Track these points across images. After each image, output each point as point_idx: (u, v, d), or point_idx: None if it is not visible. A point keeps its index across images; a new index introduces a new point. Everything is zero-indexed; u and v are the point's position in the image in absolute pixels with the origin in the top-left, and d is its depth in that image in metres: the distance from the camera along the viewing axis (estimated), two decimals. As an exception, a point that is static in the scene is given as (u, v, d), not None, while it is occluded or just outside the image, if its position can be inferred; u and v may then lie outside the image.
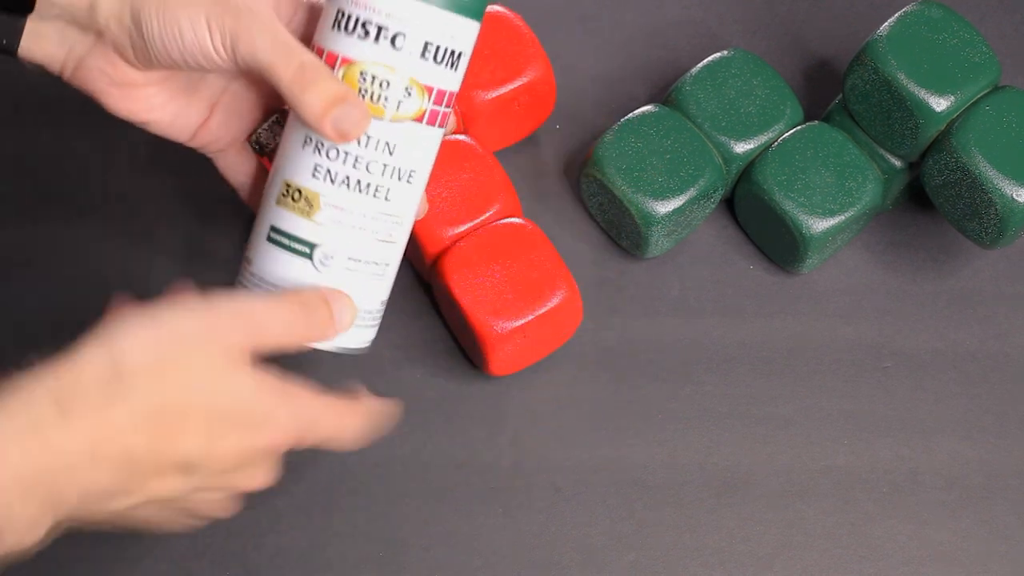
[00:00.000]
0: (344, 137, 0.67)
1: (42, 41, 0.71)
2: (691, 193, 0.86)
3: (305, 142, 0.69)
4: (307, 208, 0.69)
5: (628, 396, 0.87)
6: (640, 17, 0.96)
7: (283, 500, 0.84)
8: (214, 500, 0.68)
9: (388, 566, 0.83)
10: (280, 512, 0.84)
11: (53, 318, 0.87)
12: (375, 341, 0.74)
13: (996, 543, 0.85)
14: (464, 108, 0.87)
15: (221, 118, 0.74)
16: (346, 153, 0.69)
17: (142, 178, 0.90)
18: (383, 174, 0.69)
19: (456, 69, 0.70)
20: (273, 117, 0.75)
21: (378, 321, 0.73)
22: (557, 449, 0.86)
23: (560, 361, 0.88)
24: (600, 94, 0.94)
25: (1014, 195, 0.82)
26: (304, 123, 0.68)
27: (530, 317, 0.83)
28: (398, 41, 0.68)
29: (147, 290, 0.88)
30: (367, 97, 0.68)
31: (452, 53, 0.69)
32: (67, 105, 0.85)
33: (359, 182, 0.69)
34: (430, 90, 0.69)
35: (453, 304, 0.84)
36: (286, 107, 0.74)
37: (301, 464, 0.85)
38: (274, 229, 0.70)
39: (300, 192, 0.70)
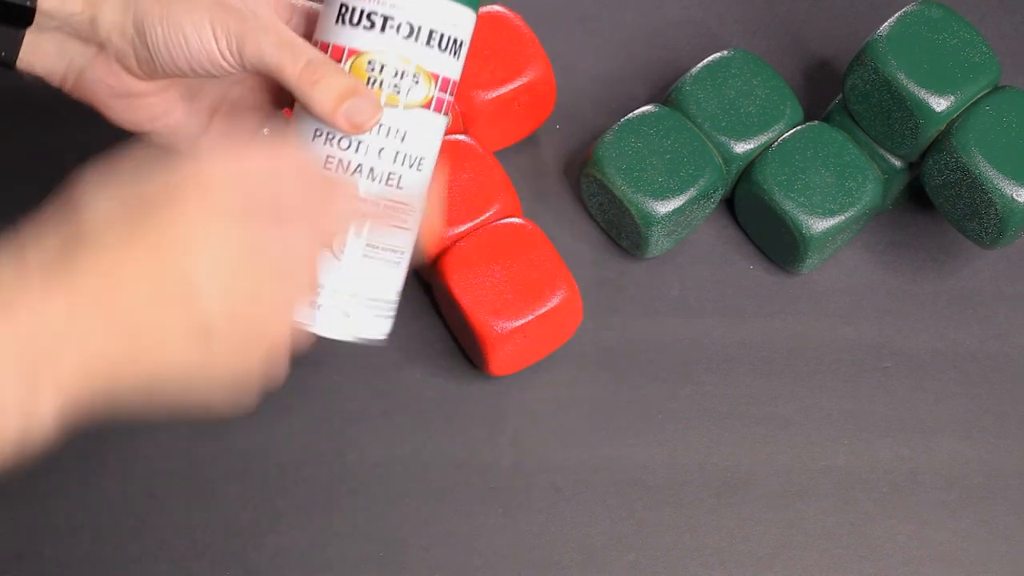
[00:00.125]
0: (358, 128, 0.68)
1: (41, 54, 0.70)
2: (691, 193, 0.86)
3: (315, 135, 0.70)
4: None
5: (628, 396, 0.87)
6: (640, 17, 0.96)
7: (283, 500, 0.84)
8: (245, 354, 0.65)
9: (388, 566, 0.83)
10: (280, 512, 0.84)
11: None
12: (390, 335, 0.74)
13: (996, 543, 0.85)
14: (464, 108, 0.87)
15: (222, 126, 0.74)
16: (358, 142, 0.70)
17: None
18: (395, 161, 0.70)
19: (458, 57, 0.71)
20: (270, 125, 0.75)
21: (394, 312, 0.73)
22: (557, 449, 0.86)
23: (560, 361, 0.88)
24: (600, 94, 0.94)
25: (1014, 195, 0.82)
26: (317, 118, 0.69)
27: (530, 317, 0.83)
28: (403, 29, 0.69)
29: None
30: (376, 86, 0.69)
31: (455, 41, 0.70)
32: (68, 105, 0.85)
33: (372, 170, 0.70)
34: (436, 77, 0.70)
35: (453, 304, 0.84)
36: (283, 109, 0.74)
37: (301, 464, 0.85)
38: None
39: None
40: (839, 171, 0.87)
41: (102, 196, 0.61)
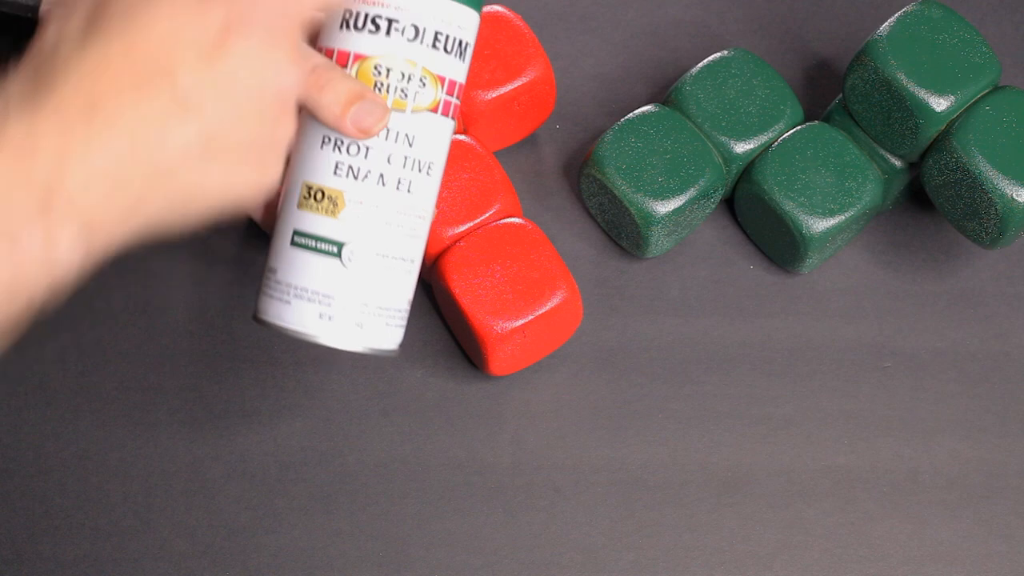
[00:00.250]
0: (366, 133, 0.68)
1: None
2: (691, 193, 0.86)
3: (323, 142, 0.70)
4: (332, 207, 0.70)
5: (628, 396, 0.87)
6: (640, 17, 0.96)
7: (283, 500, 0.84)
8: (241, 114, 0.65)
9: (388, 566, 0.83)
10: (280, 512, 0.84)
11: (53, 316, 0.87)
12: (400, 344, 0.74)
13: (996, 543, 0.85)
14: (464, 108, 0.87)
15: None
16: (368, 148, 0.70)
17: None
18: (404, 166, 0.70)
19: (463, 59, 0.71)
20: None
21: (404, 322, 0.73)
22: (557, 449, 0.86)
23: (560, 361, 0.88)
24: (600, 94, 0.94)
25: (1014, 195, 0.82)
26: (324, 124, 0.69)
27: (530, 317, 0.83)
28: (408, 32, 0.69)
29: (147, 289, 0.89)
30: (383, 91, 0.69)
31: (460, 43, 0.70)
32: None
33: (382, 176, 0.70)
34: (442, 80, 0.70)
35: (453, 304, 0.84)
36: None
37: (301, 464, 0.85)
38: (298, 233, 0.71)
39: (323, 192, 0.70)
40: (839, 171, 0.87)
41: (63, 17, 0.61)
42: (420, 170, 0.71)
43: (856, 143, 0.88)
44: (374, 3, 0.69)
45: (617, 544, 0.84)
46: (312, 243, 0.70)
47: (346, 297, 0.70)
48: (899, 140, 0.87)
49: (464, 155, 0.86)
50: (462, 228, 0.85)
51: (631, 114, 0.88)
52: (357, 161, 0.70)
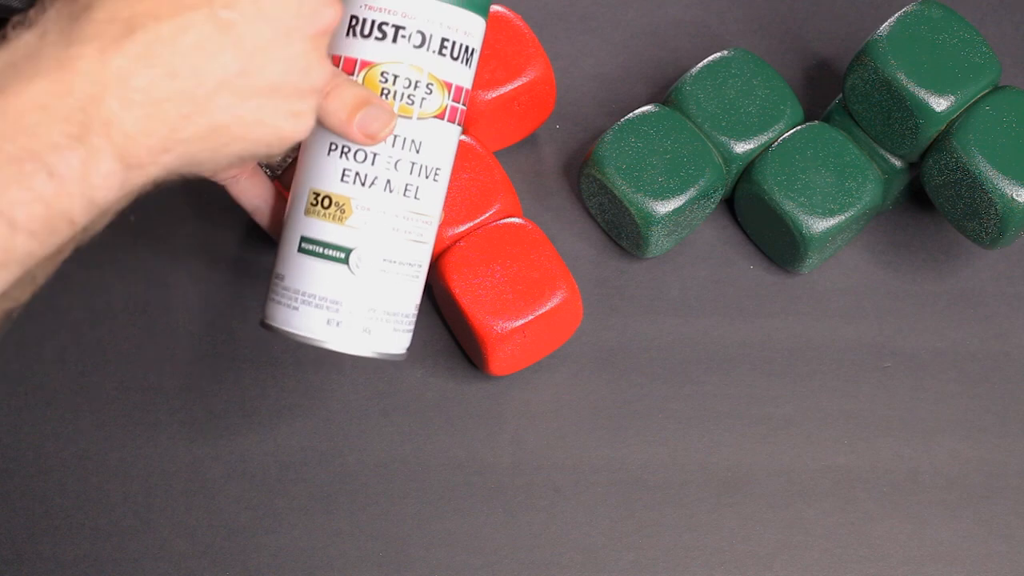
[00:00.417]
0: (373, 139, 0.68)
1: None
2: (691, 193, 0.86)
3: (330, 149, 0.70)
4: (339, 214, 0.70)
5: (628, 396, 0.87)
6: (640, 17, 0.96)
7: (283, 500, 0.84)
8: (281, 42, 0.64)
9: (388, 566, 0.83)
10: (280, 512, 0.84)
11: (53, 316, 0.87)
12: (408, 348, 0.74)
13: (996, 543, 0.85)
14: (464, 108, 0.87)
15: None
16: (375, 155, 0.70)
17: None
18: (411, 172, 0.70)
19: (470, 65, 0.71)
20: None
21: (412, 326, 0.73)
22: (557, 449, 0.86)
23: (560, 361, 0.88)
24: (600, 94, 0.94)
25: (1014, 195, 0.82)
26: (331, 130, 0.68)
27: (530, 317, 0.83)
28: (415, 39, 0.69)
29: (147, 289, 0.89)
30: (390, 97, 0.69)
31: (466, 49, 0.70)
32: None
33: (389, 182, 0.70)
34: (449, 86, 0.70)
35: (453, 304, 0.84)
36: None
37: (301, 464, 0.85)
38: (305, 239, 0.71)
39: (330, 199, 0.70)
40: (839, 171, 0.87)
41: None
42: (427, 176, 0.71)
43: (856, 143, 0.88)
44: (381, 10, 0.69)
45: (617, 544, 0.84)
46: (319, 249, 0.70)
47: (354, 303, 0.70)
48: (899, 140, 0.87)
49: (464, 155, 0.86)
50: (462, 228, 0.85)
51: (631, 114, 0.88)
52: (364, 167, 0.70)
